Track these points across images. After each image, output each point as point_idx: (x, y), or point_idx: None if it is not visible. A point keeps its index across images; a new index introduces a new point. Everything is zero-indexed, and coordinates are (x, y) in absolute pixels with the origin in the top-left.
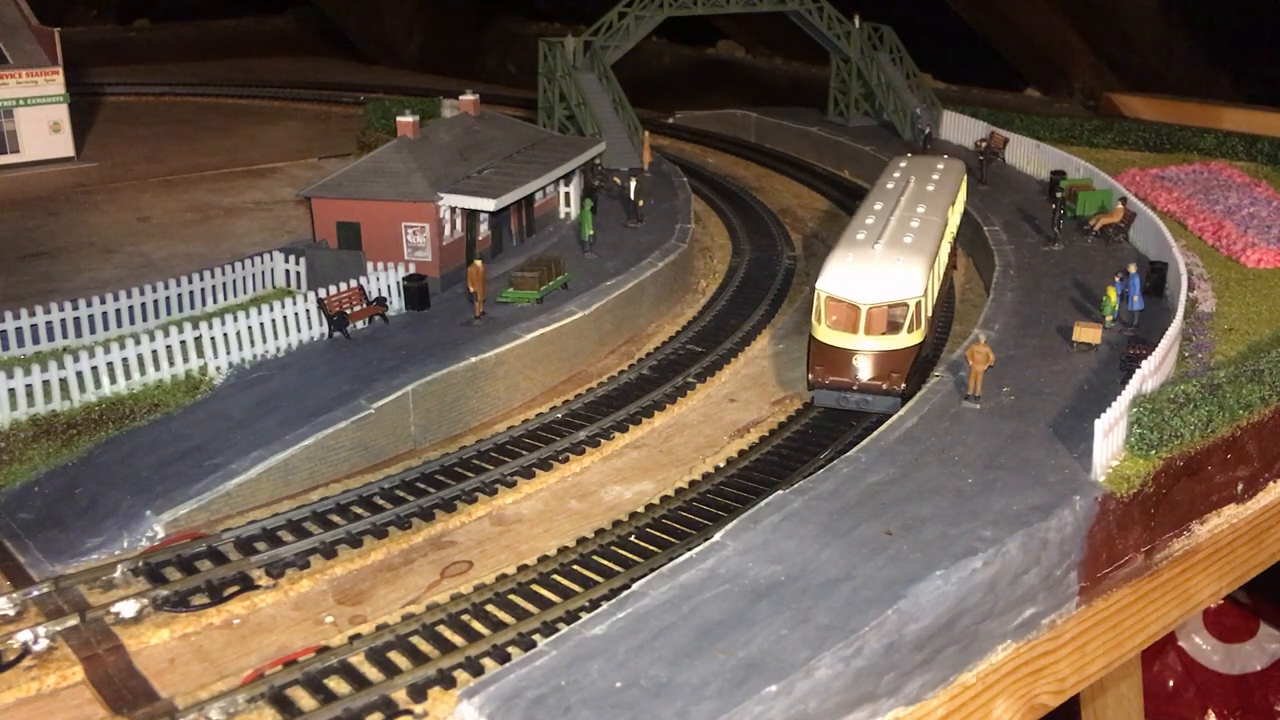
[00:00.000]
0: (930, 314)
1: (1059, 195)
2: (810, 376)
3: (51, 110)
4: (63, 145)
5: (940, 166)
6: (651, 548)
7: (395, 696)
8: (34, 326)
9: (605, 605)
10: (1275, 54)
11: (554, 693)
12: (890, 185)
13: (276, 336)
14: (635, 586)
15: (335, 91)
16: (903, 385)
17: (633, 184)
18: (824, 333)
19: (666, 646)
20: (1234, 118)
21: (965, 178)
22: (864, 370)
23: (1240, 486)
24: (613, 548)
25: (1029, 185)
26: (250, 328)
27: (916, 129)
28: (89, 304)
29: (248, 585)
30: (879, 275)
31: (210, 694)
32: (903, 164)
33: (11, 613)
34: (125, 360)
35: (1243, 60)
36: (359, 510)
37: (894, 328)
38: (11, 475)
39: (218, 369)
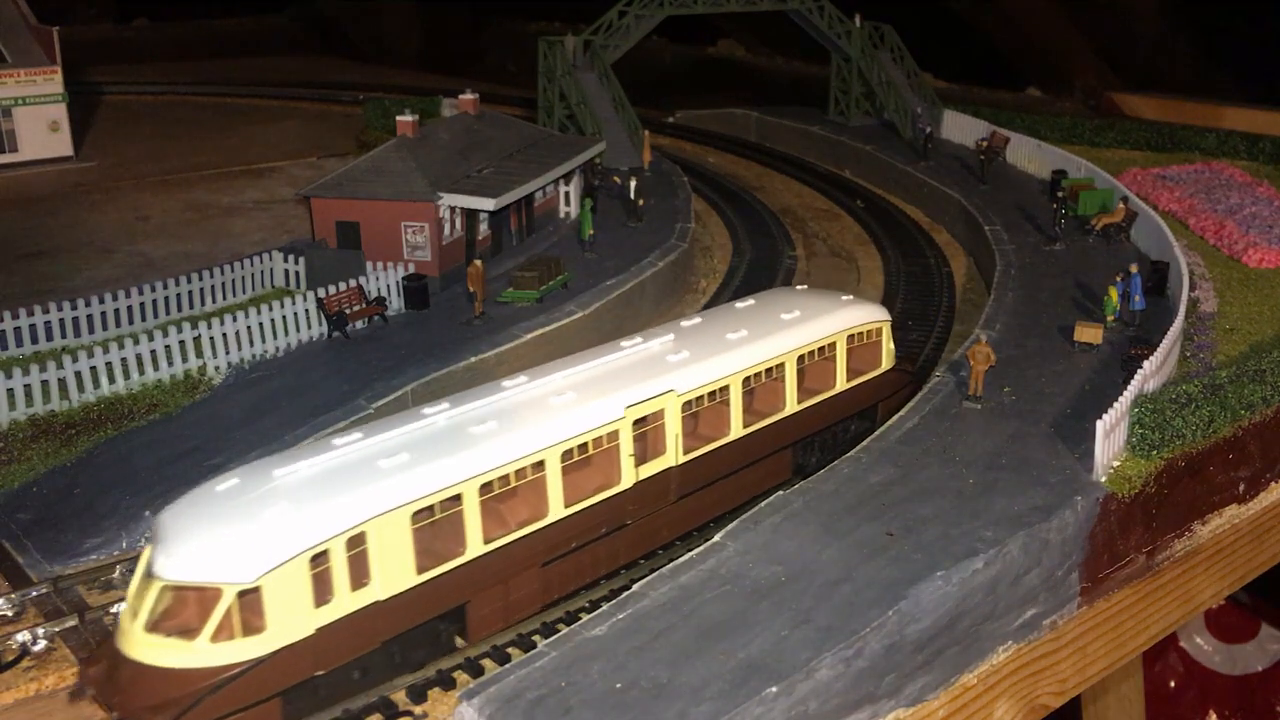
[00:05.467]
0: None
1: (1060, 195)
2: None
3: (50, 109)
4: (61, 144)
5: (786, 317)
6: None
7: (395, 698)
8: (32, 326)
9: (605, 606)
10: (1277, 53)
11: (554, 694)
12: (629, 342)
13: (276, 336)
14: (636, 587)
15: (334, 91)
16: None
17: (633, 183)
18: (122, 615)
19: (667, 647)
20: (1236, 117)
21: (860, 336)
22: (122, 693)
23: (1242, 487)
24: None
25: (1030, 185)
26: (249, 327)
27: (917, 128)
28: (88, 304)
29: None
30: (217, 529)
31: None
32: (740, 305)
33: (10, 613)
34: (124, 360)
35: (1244, 59)
36: None
37: (191, 629)
38: (10, 475)
39: (217, 369)
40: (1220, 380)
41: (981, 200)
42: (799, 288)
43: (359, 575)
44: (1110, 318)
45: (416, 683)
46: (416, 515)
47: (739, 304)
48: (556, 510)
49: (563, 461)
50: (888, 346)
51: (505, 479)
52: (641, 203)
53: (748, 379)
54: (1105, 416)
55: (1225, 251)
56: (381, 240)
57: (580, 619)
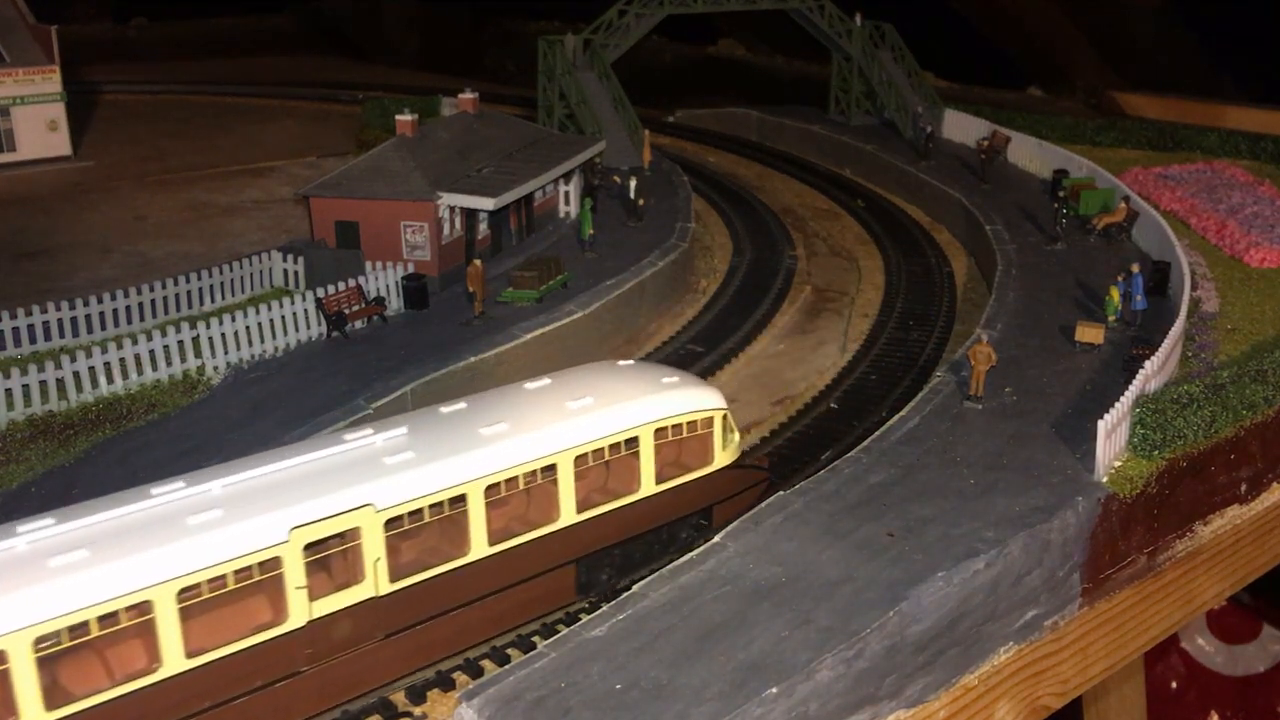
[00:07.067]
0: None
1: (1061, 194)
2: None
3: (48, 109)
4: (59, 144)
5: (572, 405)
6: None
7: (394, 698)
8: (30, 326)
9: (605, 607)
10: (1278, 53)
11: (554, 694)
12: (353, 435)
13: (275, 336)
14: (636, 588)
15: (334, 90)
16: None
17: (633, 183)
18: None
19: (667, 648)
20: (1238, 116)
21: (679, 428)
22: None
23: (1244, 487)
24: None
25: (1031, 184)
26: (248, 327)
27: (918, 128)
28: (86, 303)
29: None
30: None
31: None
32: (531, 385)
33: None
34: (123, 360)
35: (1247, 58)
36: None
37: None
38: (8, 476)
39: (215, 369)
40: (1222, 380)
41: (982, 200)
42: (622, 363)
43: None
44: (1111, 318)
45: (416, 684)
46: None
47: (530, 384)
48: (175, 662)
49: (182, 601)
50: (727, 439)
51: (82, 628)
52: (641, 202)
53: (496, 485)
54: (1107, 416)
55: (1227, 251)
56: (381, 240)
57: (580, 619)
